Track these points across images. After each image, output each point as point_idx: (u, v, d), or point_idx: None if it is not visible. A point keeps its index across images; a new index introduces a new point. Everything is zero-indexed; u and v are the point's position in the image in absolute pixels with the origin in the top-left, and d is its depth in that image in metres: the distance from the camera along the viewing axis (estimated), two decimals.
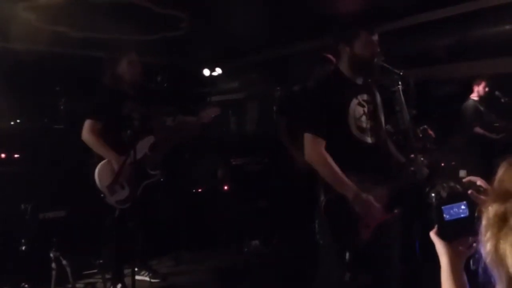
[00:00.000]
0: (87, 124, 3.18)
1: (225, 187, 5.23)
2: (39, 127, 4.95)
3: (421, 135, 3.88)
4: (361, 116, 2.26)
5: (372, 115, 2.31)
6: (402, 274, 2.36)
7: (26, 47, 5.35)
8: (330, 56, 3.61)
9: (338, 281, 2.15)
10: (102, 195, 3.12)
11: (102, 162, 3.15)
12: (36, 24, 4.78)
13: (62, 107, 4.87)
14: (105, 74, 3.33)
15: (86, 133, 3.17)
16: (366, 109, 2.29)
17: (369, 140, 2.27)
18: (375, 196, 2.13)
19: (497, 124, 5.08)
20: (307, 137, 2.22)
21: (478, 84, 5.21)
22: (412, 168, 2.27)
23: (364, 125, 2.26)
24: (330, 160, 2.15)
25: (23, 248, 3.35)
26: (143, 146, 3.25)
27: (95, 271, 3.67)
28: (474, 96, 5.25)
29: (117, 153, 3.08)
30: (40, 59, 5.60)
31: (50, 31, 5.00)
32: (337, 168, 2.13)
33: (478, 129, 5.11)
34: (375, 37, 2.27)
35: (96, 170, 3.14)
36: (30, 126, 5.03)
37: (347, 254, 2.07)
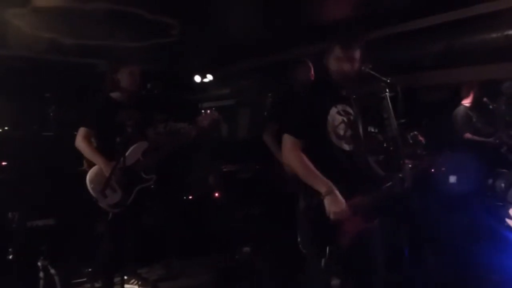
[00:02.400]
0: (81, 131, 3.22)
1: (216, 194, 5.23)
2: (28, 134, 4.92)
3: (411, 141, 3.91)
4: (339, 124, 2.28)
5: (352, 125, 2.32)
6: (392, 281, 2.37)
7: (15, 53, 5.34)
8: (308, 61, 3.65)
9: None
10: (94, 200, 3.11)
11: (94, 168, 3.17)
12: (26, 31, 4.76)
13: (51, 114, 4.84)
14: (104, 82, 3.38)
15: (80, 140, 3.20)
16: (345, 119, 2.30)
17: (346, 147, 2.28)
18: (353, 203, 2.14)
19: (486, 130, 5.13)
20: (286, 138, 2.26)
21: (473, 88, 5.23)
22: (400, 175, 2.28)
23: (342, 132, 2.28)
24: (306, 159, 2.19)
25: (10, 257, 3.31)
26: (136, 152, 3.27)
27: (84, 279, 3.64)
28: (466, 102, 5.29)
29: (111, 159, 3.09)
30: (30, 66, 5.58)
31: (40, 37, 4.98)
32: (313, 167, 2.17)
33: (468, 135, 5.15)
34: (352, 51, 2.25)
35: (88, 176, 3.16)
36: (19, 133, 5.00)
37: (323, 261, 2.06)
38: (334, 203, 2.09)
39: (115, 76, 3.30)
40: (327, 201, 2.10)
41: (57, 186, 3.92)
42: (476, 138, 5.13)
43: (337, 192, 2.12)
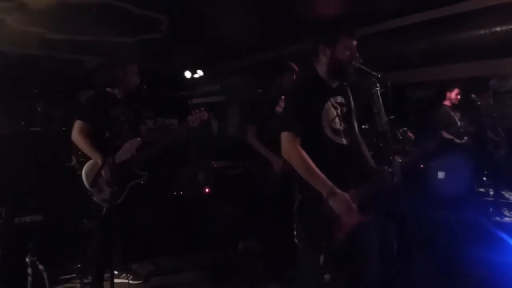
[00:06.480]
0: (77, 124, 3.19)
1: (206, 190, 5.22)
2: (15, 129, 4.85)
3: (400, 137, 3.94)
4: (334, 118, 2.29)
5: (346, 117, 2.34)
6: (380, 276, 2.39)
7: (2, 49, 5.26)
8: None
9: (316, 283, 2.15)
10: (89, 193, 3.10)
11: (90, 162, 3.15)
12: (12, 26, 4.70)
13: (39, 110, 4.79)
14: (99, 77, 3.38)
15: (76, 134, 3.17)
16: (339, 111, 2.31)
17: (343, 141, 2.30)
18: (350, 197, 2.16)
19: (462, 130, 5.22)
20: (285, 135, 2.23)
21: (451, 91, 5.33)
22: (390, 170, 2.30)
23: (337, 126, 2.29)
24: (307, 157, 2.17)
25: None
26: (130, 148, 3.29)
27: (73, 275, 3.61)
28: (446, 102, 5.37)
29: (105, 154, 3.08)
30: (17, 61, 5.50)
31: (27, 32, 4.91)
32: (314, 165, 2.16)
33: (444, 134, 5.24)
34: (354, 42, 2.31)
35: (84, 169, 3.14)
36: (7, 128, 4.92)
37: (322, 257, 2.07)
38: (339, 204, 2.11)
39: (116, 72, 3.30)
40: (331, 203, 2.11)
41: (45, 182, 3.88)
42: (450, 137, 5.22)
43: (339, 191, 2.12)
